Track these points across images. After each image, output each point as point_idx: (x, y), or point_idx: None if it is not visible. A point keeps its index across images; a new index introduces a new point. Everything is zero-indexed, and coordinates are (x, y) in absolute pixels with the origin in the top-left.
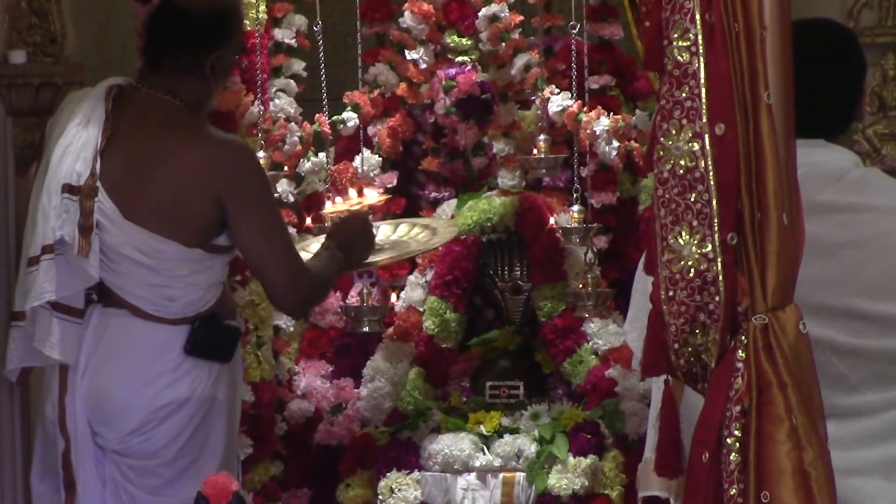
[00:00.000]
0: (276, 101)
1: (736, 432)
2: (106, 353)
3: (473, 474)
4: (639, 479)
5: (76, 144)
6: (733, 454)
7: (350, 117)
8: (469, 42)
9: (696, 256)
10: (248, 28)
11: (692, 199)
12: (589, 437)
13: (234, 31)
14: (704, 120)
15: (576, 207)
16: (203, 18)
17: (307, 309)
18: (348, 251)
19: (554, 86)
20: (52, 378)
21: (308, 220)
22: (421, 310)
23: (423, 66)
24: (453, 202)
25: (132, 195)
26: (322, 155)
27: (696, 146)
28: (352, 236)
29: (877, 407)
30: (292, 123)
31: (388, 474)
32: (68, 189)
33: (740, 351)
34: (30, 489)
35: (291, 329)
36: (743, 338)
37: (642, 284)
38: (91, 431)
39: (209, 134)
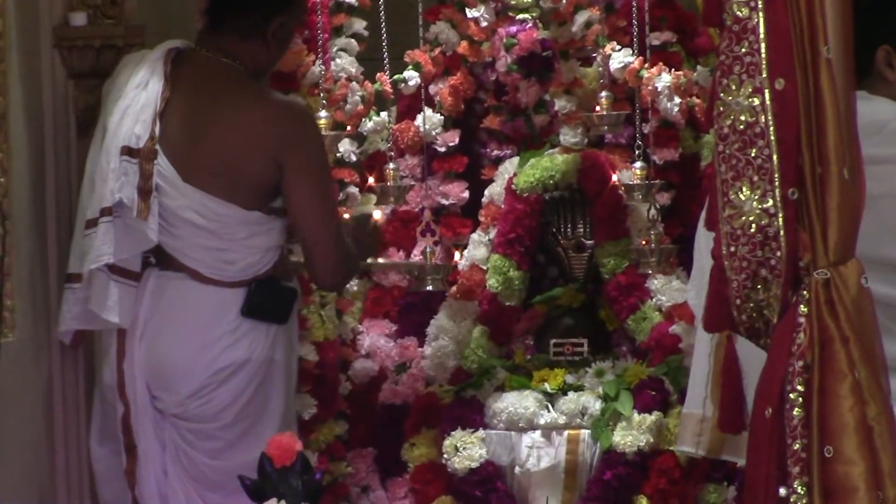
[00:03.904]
0: (338, 60)
1: (799, 387)
2: (164, 317)
3: (538, 432)
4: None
5: (135, 107)
6: (796, 409)
7: (411, 76)
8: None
9: (758, 212)
10: None
11: (753, 155)
12: (653, 393)
13: None
14: (764, 75)
15: (638, 164)
16: None
17: (342, 287)
18: (359, 246)
19: (615, 42)
20: (109, 343)
21: (370, 180)
22: (484, 268)
23: (484, 24)
24: (515, 160)
25: (191, 158)
26: (384, 114)
27: (756, 101)
28: (363, 234)
29: None
30: (353, 83)
31: (453, 433)
32: (127, 151)
33: (802, 306)
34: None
35: (355, 288)
36: (805, 293)
37: (704, 242)
38: (150, 395)
39: (268, 95)
